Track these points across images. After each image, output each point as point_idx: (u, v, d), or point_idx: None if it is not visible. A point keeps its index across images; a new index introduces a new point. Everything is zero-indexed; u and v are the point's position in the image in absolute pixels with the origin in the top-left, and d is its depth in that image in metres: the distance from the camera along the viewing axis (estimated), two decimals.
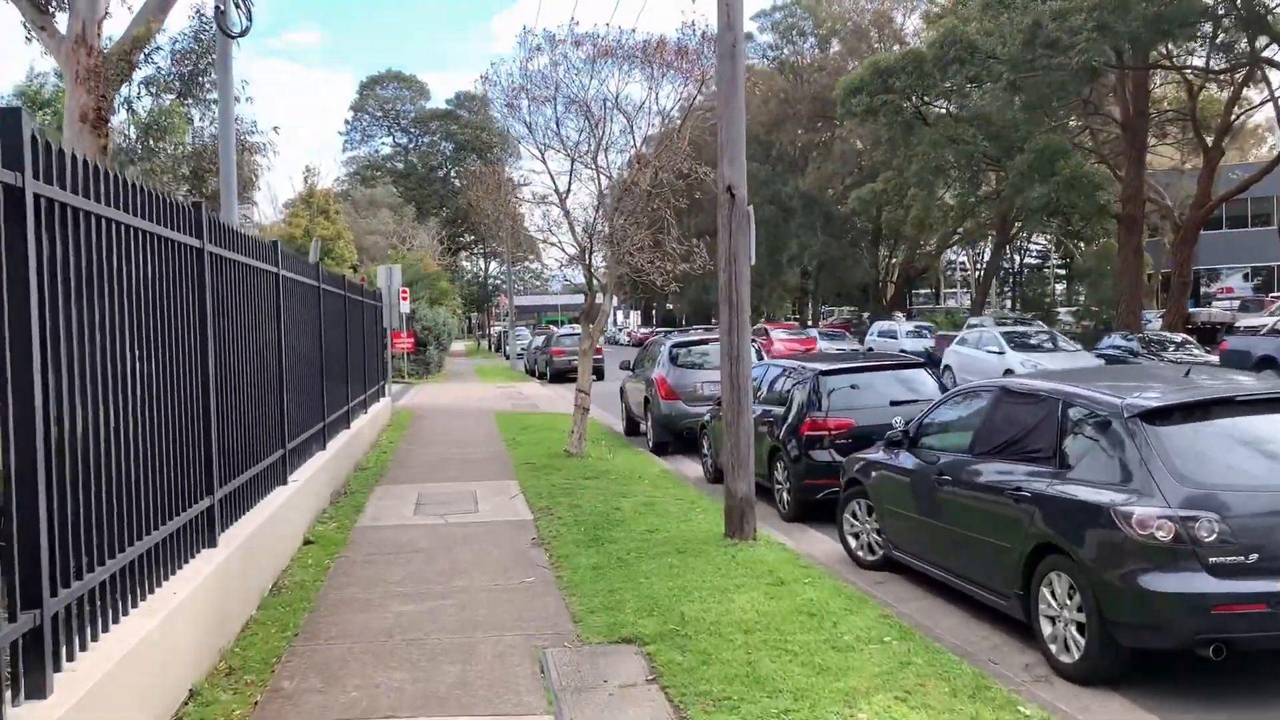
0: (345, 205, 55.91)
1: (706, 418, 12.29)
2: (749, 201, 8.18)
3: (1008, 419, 6.10)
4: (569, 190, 12.38)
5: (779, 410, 10.19)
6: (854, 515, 7.88)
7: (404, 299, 30.89)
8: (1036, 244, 68.46)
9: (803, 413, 9.64)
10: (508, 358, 46.36)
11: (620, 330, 75.54)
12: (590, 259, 12.55)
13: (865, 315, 52.60)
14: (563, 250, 13.14)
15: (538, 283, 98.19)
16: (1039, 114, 30.44)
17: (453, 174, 73.13)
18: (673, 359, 14.71)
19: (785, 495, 9.76)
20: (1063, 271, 65.89)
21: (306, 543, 8.11)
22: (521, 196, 12.98)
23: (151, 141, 12.48)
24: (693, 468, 13.35)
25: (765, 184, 49.38)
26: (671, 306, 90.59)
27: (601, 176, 12.72)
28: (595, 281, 13.02)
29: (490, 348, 72.42)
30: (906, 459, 7.18)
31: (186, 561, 5.23)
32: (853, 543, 7.90)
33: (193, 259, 5.47)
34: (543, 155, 12.32)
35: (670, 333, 16.27)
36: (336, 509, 9.63)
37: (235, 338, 6.43)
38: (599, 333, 13.29)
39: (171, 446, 5.01)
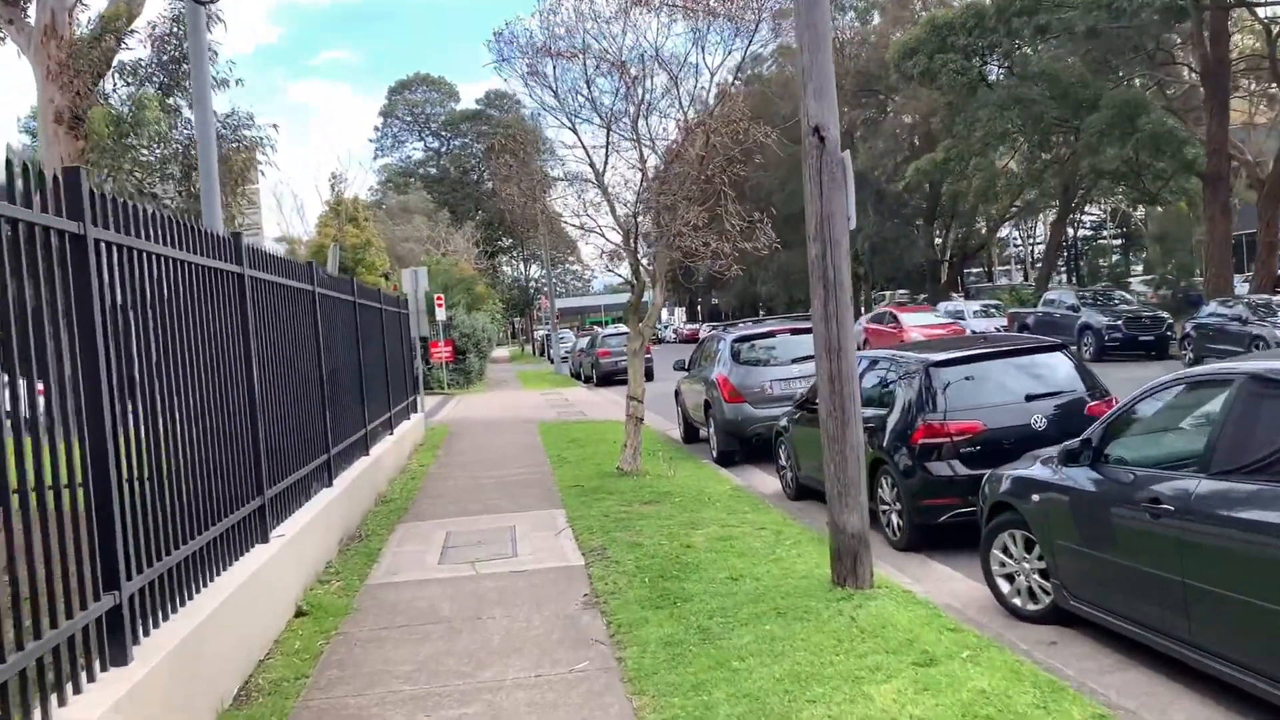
0: (378, 213, 54.81)
1: (783, 423, 10.40)
2: (843, 146, 6.33)
3: (1275, 422, 4.15)
4: (606, 165, 10.57)
5: (877, 413, 8.28)
6: (1005, 551, 5.97)
7: (439, 305, 29.38)
8: (1090, 215, 65.45)
9: (913, 415, 7.71)
10: (551, 361, 44.75)
11: (666, 327, 73.44)
12: (635, 244, 10.72)
13: (920, 298, 50.16)
14: (603, 237, 11.31)
15: (579, 284, 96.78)
16: (1109, 69, 28.06)
17: (485, 176, 71.79)
18: (735, 356, 12.83)
19: (895, 518, 7.85)
20: (1118, 241, 62.83)
21: (299, 614, 6.38)
22: (553, 176, 11.12)
23: (131, 138, 10.98)
24: (766, 481, 11.47)
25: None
26: (717, 300, 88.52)
27: (643, 147, 10.88)
28: (642, 272, 11.18)
29: (534, 352, 71.00)
30: (1087, 477, 5.25)
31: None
32: (1004, 586, 5.99)
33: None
34: (573, 125, 10.53)
35: (728, 326, 14.26)
36: (345, 560, 7.90)
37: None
38: (649, 331, 11.46)
39: None
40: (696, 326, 71.79)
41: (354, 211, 36.07)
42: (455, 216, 57.20)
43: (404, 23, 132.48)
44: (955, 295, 46.66)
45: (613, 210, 10.76)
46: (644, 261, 11.27)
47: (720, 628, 5.48)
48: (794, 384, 12.44)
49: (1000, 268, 79.70)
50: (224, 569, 5.44)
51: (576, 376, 36.72)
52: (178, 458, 4.82)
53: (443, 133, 75.02)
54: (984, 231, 54.14)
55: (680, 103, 10.65)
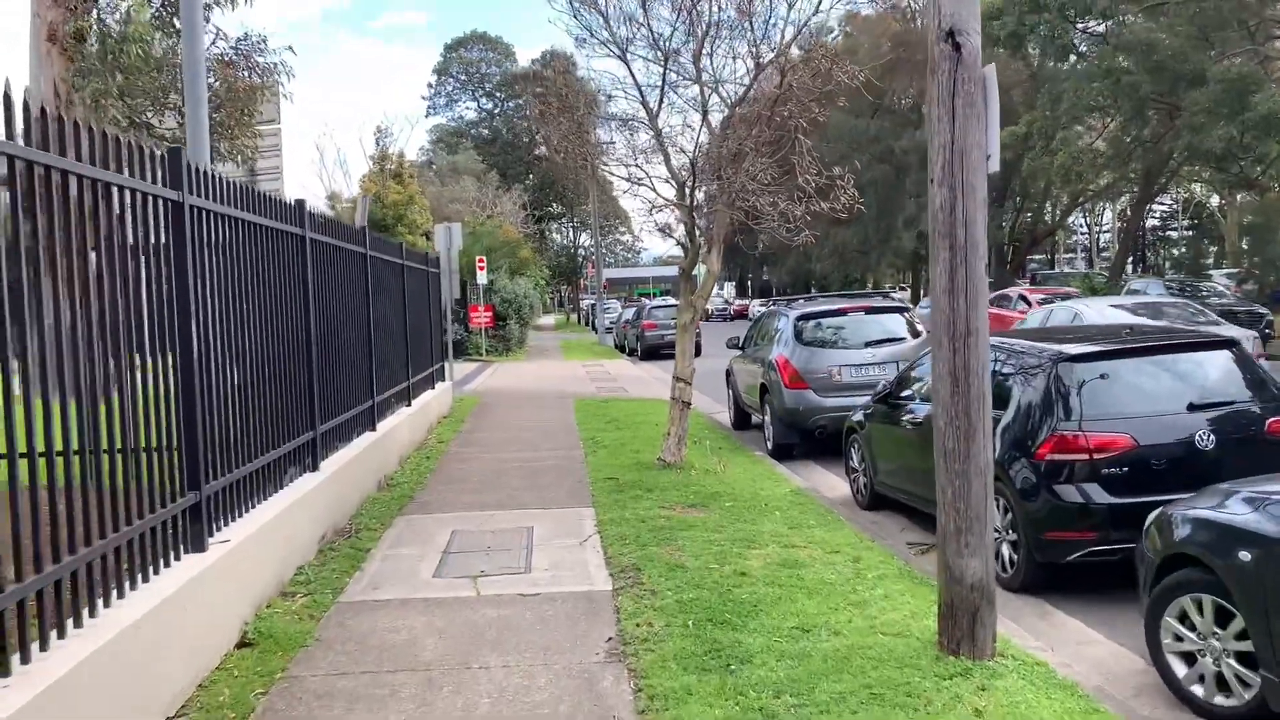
0: (428, 173, 53.60)
1: (857, 417, 8.79)
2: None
3: None
4: (661, 104, 8.93)
5: None
6: (1184, 620, 4.35)
7: (481, 269, 28.07)
8: (1161, 204, 62.41)
9: (1038, 422, 6.07)
10: (595, 331, 43.33)
11: (728, 304, 71.36)
12: (692, 199, 9.10)
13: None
14: (654, 191, 9.72)
15: (629, 254, 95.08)
16: (1206, 44, 25.67)
17: (537, 135, 70.26)
18: (798, 335, 11.21)
19: (1006, 550, 6.23)
20: (1189, 231, 59.72)
21: (243, 644, 4.96)
22: (600, 115, 9.50)
23: (123, 55, 9.62)
24: (831, 483, 9.89)
25: (875, 139, 45.17)
26: (768, 276, 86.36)
27: (705, 87, 9.26)
28: (697, 234, 9.57)
29: (580, 321, 69.67)
30: None
31: None
32: (1179, 668, 4.39)
33: None
34: (624, 53, 8.89)
35: (791, 301, 12.60)
36: (322, 564, 6.47)
37: None
38: (702, 303, 9.87)
39: None
40: (746, 303, 69.85)
41: (398, 167, 34.80)
42: (505, 179, 55.77)
43: None
44: (1020, 281, 44.30)
45: (666, 158, 9.17)
46: (700, 222, 9.66)
47: (792, 715, 3.95)
48: (866, 371, 10.81)
49: (1064, 255, 76.72)
50: (131, 588, 4.04)
51: (620, 349, 35.24)
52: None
53: (497, 93, 73.38)
54: (1055, 215, 51.60)
55: (752, 36, 8.99)
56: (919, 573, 6.22)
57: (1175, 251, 59.44)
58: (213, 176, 5.20)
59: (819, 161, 8.75)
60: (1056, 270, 58.86)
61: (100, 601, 3.83)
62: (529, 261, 39.67)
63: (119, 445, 4.10)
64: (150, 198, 4.51)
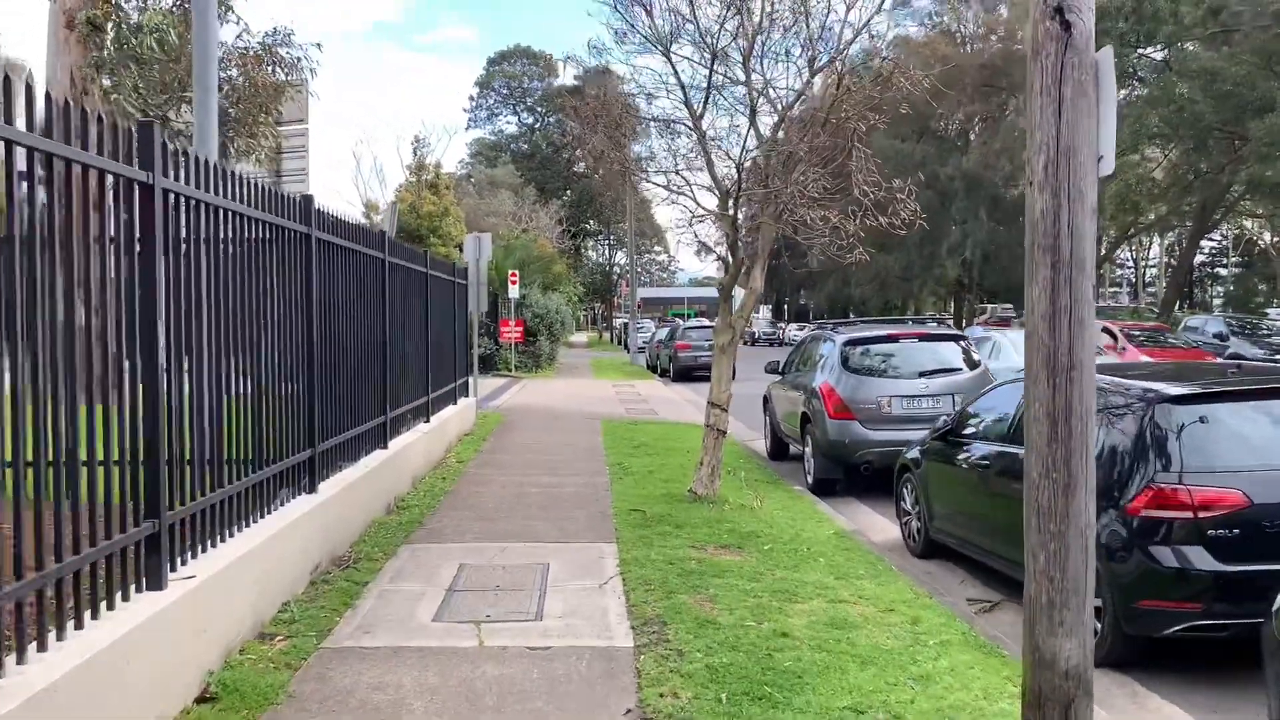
0: (466, 185, 53.44)
1: (911, 455, 8.01)
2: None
3: None
4: (706, 105, 8.24)
5: None
6: None
7: (513, 283, 27.57)
8: (1210, 240, 60.99)
9: (1127, 471, 5.27)
10: (628, 350, 42.68)
11: (779, 326, 70.42)
12: (736, 209, 8.38)
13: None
14: (694, 201, 9.01)
15: (664, 274, 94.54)
16: (1272, 74, 24.63)
17: (575, 151, 69.99)
18: (845, 362, 10.43)
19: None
20: (1240, 269, 58.20)
21: (202, 698, 4.27)
22: (641, 117, 8.80)
23: (138, 46, 9.11)
24: (879, 525, 9.11)
25: (921, 164, 44.30)
26: (805, 301, 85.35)
27: (753, 91, 8.56)
28: (740, 247, 8.85)
29: (613, 340, 69.11)
30: None
31: None
32: None
33: None
34: (668, 50, 8.21)
35: (838, 325, 11.81)
36: (311, 599, 5.79)
37: None
38: (742, 324, 9.13)
39: None
40: (783, 327, 68.92)
41: (435, 178, 34.45)
42: (542, 194, 55.44)
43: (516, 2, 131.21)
44: None
45: (709, 164, 8.46)
46: (743, 236, 8.94)
47: None
48: (918, 403, 10.01)
49: (1109, 289, 75.21)
50: (58, 639, 3.38)
51: (652, 369, 34.54)
52: None
53: (538, 108, 73.34)
54: (1101, 249, 50.32)
55: (807, 34, 8.29)
56: (985, 638, 5.44)
57: (1224, 289, 57.81)
58: (195, 159, 4.55)
59: (879, 171, 8.00)
60: (1102, 304, 57.47)
61: (11, 658, 3.17)
62: (563, 277, 39.14)
63: (52, 459, 3.45)
64: (114, 178, 3.90)
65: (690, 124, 8.21)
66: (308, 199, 6.46)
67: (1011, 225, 42.89)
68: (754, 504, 8.79)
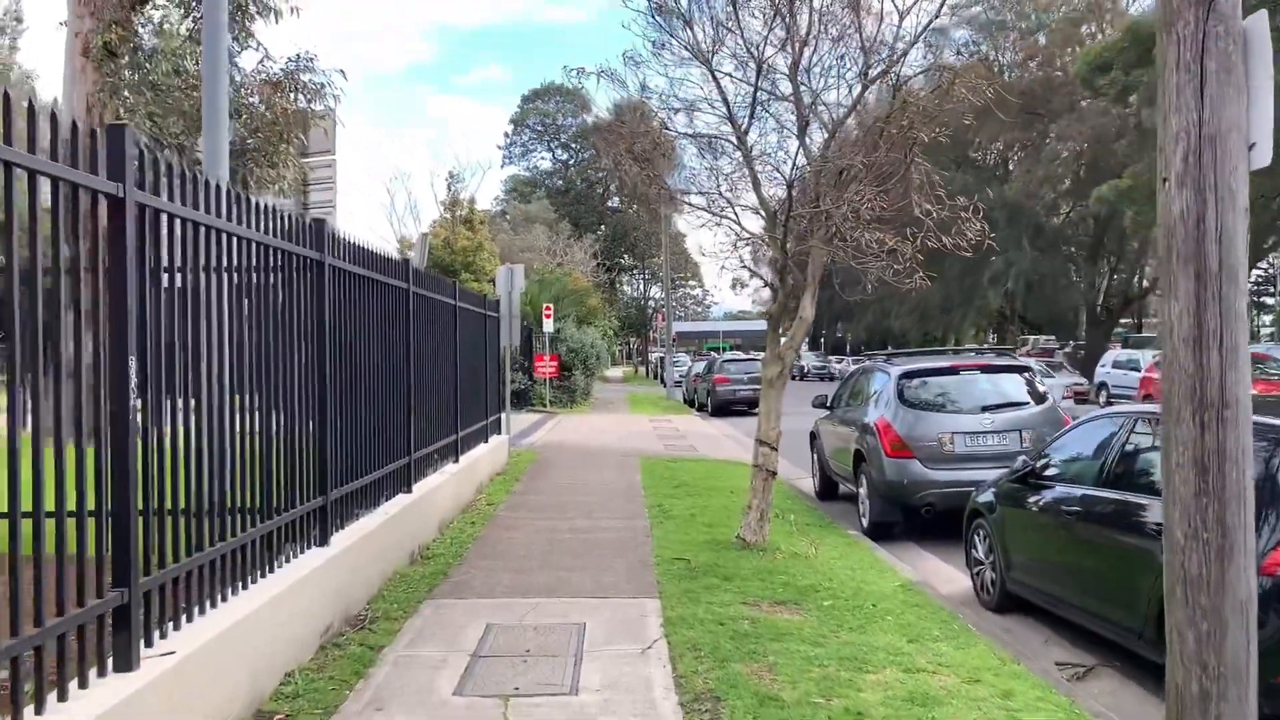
0: (501, 221, 53.36)
1: (984, 498, 7.27)
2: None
3: None
4: (751, 119, 7.62)
5: (1137, 501, 5.16)
6: None
7: (547, 317, 27.12)
8: (1259, 269, 59.44)
9: (1259, 522, 4.52)
10: (664, 385, 42.03)
11: (839, 358, 69.32)
12: (785, 233, 7.73)
13: (1072, 344, 45.41)
14: (738, 225, 8.38)
15: (699, 308, 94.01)
16: None
17: (612, 189, 69.66)
18: (901, 396, 9.70)
19: None
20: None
21: None
22: (677, 132, 8.19)
23: (153, 70, 8.72)
24: (942, 571, 8.36)
25: (961, 192, 43.44)
26: (842, 334, 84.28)
27: (803, 106, 7.95)
28: (789, 272, 8.19)
29: (649, 374, 68.52)
30: None
31: None
32: None
33: None
34: (709, 62, 7.60)
35: (891, 356, 11.06)
36: (321, 667, 5.16)
37: None
38: (792, 355, 8.46)
39: None
40: (834, 360, 67.85)
41: (469, 213, 34.22)
42: (577, 228, 55.22)
43: (552, 42, 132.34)
44: (1111, 344, 41.87)
45: (755, 183, 7.84)
46: (791, 258, 8.28)
47: None
48: (983, 440, 9.25)
49: (1149, 319, 73.54)
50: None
51: (690, 404, 33.85)
52: None
53: (572, 144, 73.47)
54: (1142, 279, 49.05)
55: (860, 40, 7.66)
56: (1090, 715, 4.69)
57: (1267, 318, 56.05)
58: (178, 171, 4.01)
59: (940, 185, 7.34)
60: (1140, 334, 55.91)
61: None
62: (597, 310, 38.66)
63: None
64: (81, 190, 3.37)
65: (735, 140, 7.60)
66: (320, 222, 5.92)
67: (1054, 254, 41.90)
68: (808, 551, 8.07)
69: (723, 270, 29.09)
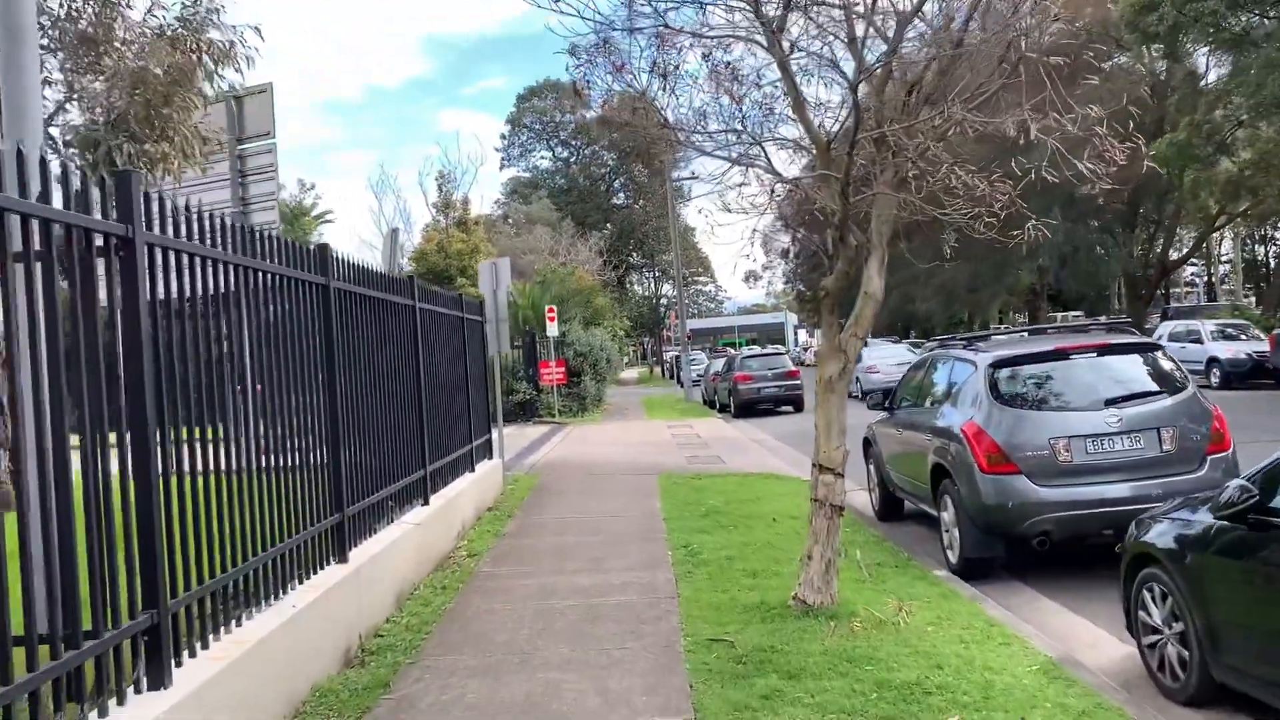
0: (503, 225, 51.25)
1: (1164, 541, 4.97)
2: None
3: None
4: (787, 8, 5.27)
5: None
6: None
7: (551, 320, 25.00)
8: None
9: None
10: (681, 385, 39.77)
11: (805, 350, 66.50)
12: (849, 167, 5.42)
13: (1104, 318, 42.88)
14: (768, 173, 6.10)
15: (712, 304, 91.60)
16: None
17: (615, 185, 67.41)
18: (995, 390, 7.42)
19: None
20: None
21: None
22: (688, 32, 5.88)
23: None
24: (1073, 627, 6.11)
25: (992, 161, 41.11)
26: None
27: None
28: (847, 232, 5.92)
29: (664, 374, 66.23)
30: None
31: None
32: None
33: None
34: None
35: (973, 340, 8.66)
36: None
37: None
38: (858, 342, 6.18)
39: None
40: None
41: (462, 214, 32.07)
42: (581, 227, 52.95)
43: (544, 48, 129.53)
44: (1153, 316, 39.37)
45: (797, 104, 5.57)
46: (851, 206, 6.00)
47: None
48: (1110, 445, 6.97)
49: (1184, 289, 70.91)
50: None
51: (710, 405, 31.58)
52: None
53: (572, 141, 71.16)
54: (1191, 243, 46.62)
55: None
56: None
57: None
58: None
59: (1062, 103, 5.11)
60: (1192, 303, 53.17)
61: None
62: (605, 310, 36.42)
63: None
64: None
65: (767, 44, 5.33)
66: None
67: (1091, 226, 39.40)
68: (896, 616, 5.81)
69: (741, 262, 26.86)
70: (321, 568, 5.65)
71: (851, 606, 6.00)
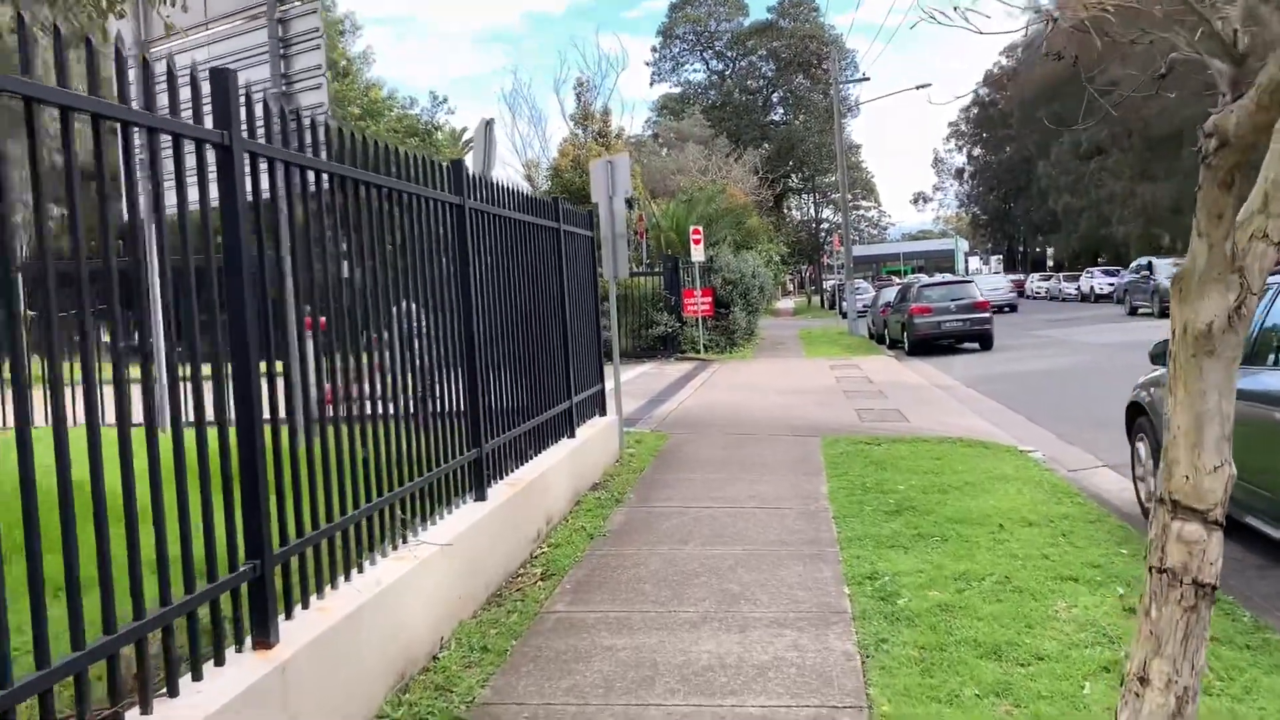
0: (652, 145, 48.35)
1: None
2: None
3: None
4: None
5: None
6: None
7: (696, 243, 22.12)
8: None
9: None
10: (844, 316, 36.21)
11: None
12: None
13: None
14: None
15: (874, 231, 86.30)
16: None
17: (773, 98, 62.93)
18: None
19: None
20: None
21: None
22: None
23: None
24: None
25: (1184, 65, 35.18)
26: (1041, 249, 74.88)
27: None
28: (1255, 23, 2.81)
29: (823, 304, 62.38)
30: None
31: None
32: None
33: None
34: None
35: None
36: None
37: None
38: (1271, 250, 3.08)
39: None
40: (1021, 278, 59.89)
41: (603, 127, 29.28)
42: (737, 145, 49.29)
43: None
44: None
45: None
46: None
47: None
48: None
49: None
50: None
51: (878, 340, 28.10)
52: None
53: (727, 52, 66.82)
54: None
55: None
56: None
57: None
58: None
59: None
60: None
61: None
62: (759, 233, 33.07)
63: None
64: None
65: None
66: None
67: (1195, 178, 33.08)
68: None
69: (890, 220, 22.68)
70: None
71: None
